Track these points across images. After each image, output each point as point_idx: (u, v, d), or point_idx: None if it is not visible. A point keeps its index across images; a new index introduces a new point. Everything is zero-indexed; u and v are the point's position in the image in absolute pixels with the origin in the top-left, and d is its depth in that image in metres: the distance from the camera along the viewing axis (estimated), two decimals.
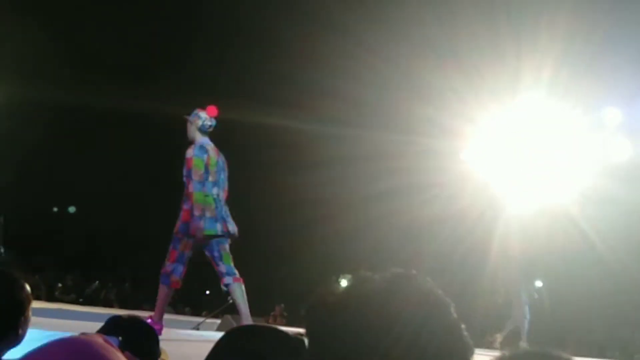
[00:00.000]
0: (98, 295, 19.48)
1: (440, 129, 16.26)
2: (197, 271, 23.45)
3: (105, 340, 1.20)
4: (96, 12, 22.11)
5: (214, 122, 6.88)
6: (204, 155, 6.70)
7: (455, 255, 16.64)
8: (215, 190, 6.76)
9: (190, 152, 6.77)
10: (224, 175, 6.96)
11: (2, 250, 17.10)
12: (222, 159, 6.94)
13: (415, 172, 17.14)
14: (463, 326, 1.01)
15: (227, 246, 6.98)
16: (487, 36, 15.17)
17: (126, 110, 20.98)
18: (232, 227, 6.93)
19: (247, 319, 6.64)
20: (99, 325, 2.56)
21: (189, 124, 6.90)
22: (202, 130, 6.84)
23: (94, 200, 24.11)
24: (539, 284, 16.43)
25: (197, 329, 10.40)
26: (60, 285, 18.80)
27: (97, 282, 20.38)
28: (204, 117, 6.84)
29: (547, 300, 14.57)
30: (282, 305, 17.46)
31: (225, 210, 6.92)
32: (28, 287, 2.75)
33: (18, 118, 21.31)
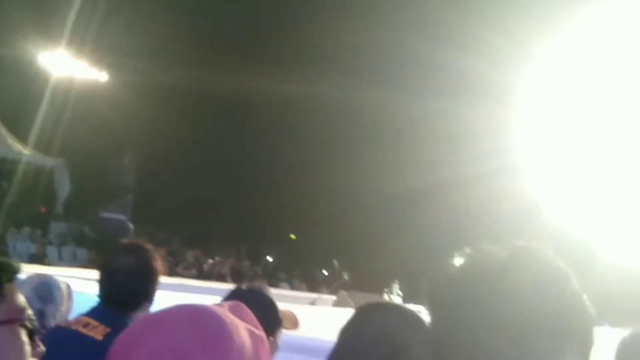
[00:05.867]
0: (213, 271, 20.08)
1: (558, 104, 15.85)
2: (312, 250, 23.61)
3: (233, 310, 1.25)
4: None
5: None
6: None
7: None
8: None
9: None
10: None
11: (132, 227, 17.86)
12: None
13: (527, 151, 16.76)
14: (585, 297, 1.02)
15: None
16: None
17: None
18: None
19: None
20: (217, 299, 2.66)
21: None
22: None
23: (217, 181, 24.79)
24: None
25: (313, 304, 10.55)
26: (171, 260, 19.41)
27: (216, 257, 20.97)
28: None
29: None
30: (397, 282, 17.45)
31: None
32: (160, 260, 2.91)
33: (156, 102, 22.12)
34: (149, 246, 2.90)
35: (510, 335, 0.96)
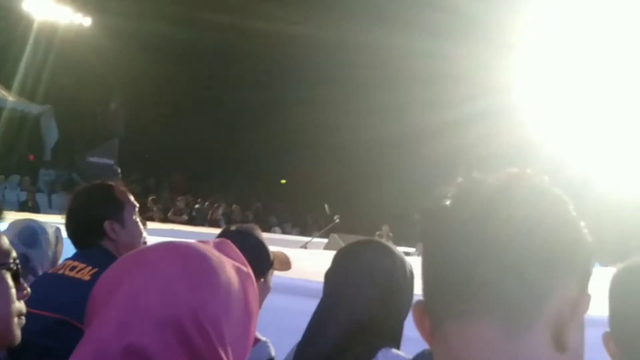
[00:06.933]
0: (206, 215, 20.11)
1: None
2: (303, 194, 23.65)
3: (219, 247, 1.22)
4: None
5: None
6: None
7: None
8: None
9: None
10: None
11: (119, 171, 17.83)
12: None
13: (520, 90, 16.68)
14: (582, 223, 0.99)
15: None
16: None
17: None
18: None
19: None
20: None
21: None
22: None
23: (205, 126, 24.70)
24: None
25: (305, 247, 10.58)
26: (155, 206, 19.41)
27: (206, 202, 20.99)
28: None
29: None
30: (388, 224, 17.55)
31: None
32: (131, 196, 2.88)
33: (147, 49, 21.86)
34: (110, 185, 2.87)
35: (507, 265, 0.93)
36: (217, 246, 1.20)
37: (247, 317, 1.18)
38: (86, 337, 1.10)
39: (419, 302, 1.03)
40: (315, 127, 22.81)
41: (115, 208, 2.79)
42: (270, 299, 2.71)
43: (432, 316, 1.00)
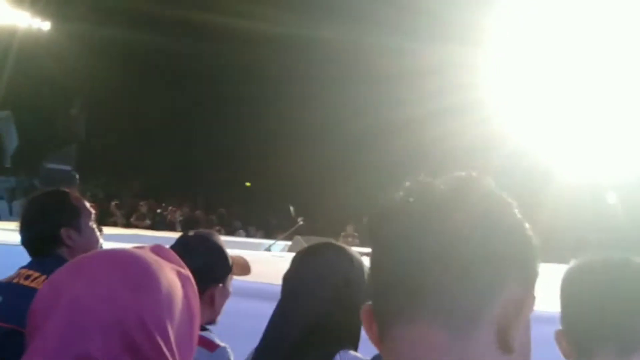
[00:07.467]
0: (165, 220, 20.02)
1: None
2: (267, 197, 23.53)
3: (155, 251, 1.21)
4: None
5: None
6: None
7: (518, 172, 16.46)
8: None
9: None
10: None
11: (77, 176, 17.64)
12: None
13: (482, 88, 16.79)
14: (527, 225, 1.00)
15: None
16: None
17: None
18: None
19: None
20: None
21: None
22: None
23: (168, 130, 24.53)
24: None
25: (269, 250, 10.57)
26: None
27: (170, 207, 20.85)
28: None
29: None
30: (353, 224, 17.57)
31: None
32: (86, 202, 2.85)
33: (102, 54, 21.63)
34: (65, 192, 2.84)
35: (454, 269, 0.94)
36: (153, 250, 1.20)
37: (190, 319, 1.18)
38: (30, 351, 1.08)
39: (366, 305, 1.03)
40: (279, 127, 22.76)
41: (72, 215, 2.76)
42: (230, 303, 2.70)
43: (379, 320, 1.00)
